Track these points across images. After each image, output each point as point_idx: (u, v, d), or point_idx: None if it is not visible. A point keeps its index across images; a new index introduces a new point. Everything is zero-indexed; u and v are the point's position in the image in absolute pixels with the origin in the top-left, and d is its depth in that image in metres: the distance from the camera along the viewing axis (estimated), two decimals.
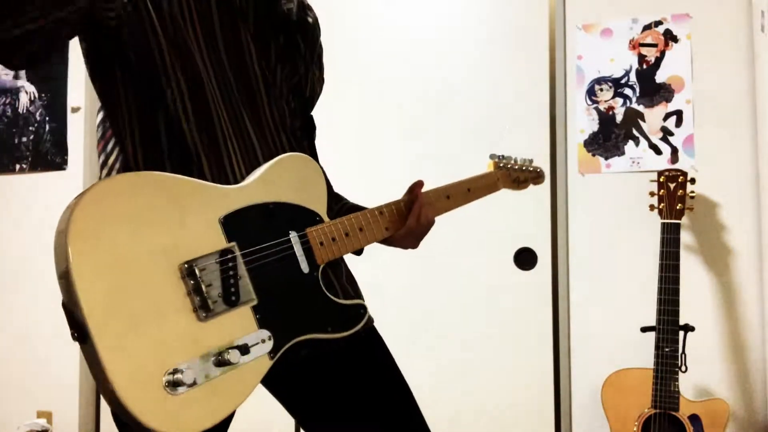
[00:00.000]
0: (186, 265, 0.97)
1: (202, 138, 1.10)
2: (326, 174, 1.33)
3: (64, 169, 3.01)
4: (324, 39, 1.40)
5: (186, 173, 1.04)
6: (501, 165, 1.60)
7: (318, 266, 1.15)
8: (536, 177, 1.70)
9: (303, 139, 1.33)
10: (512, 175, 1.62)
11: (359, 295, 1.30)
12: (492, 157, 1.60)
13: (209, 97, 1.12)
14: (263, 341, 1.04)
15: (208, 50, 1.15)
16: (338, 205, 1.37)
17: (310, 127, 1.37)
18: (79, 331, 0.88)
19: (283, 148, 1.23)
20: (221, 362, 0.97)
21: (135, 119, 1.10)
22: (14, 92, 3.14)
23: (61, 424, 2.92)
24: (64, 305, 0.90)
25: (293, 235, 1.13)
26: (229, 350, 0.98)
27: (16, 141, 3.10)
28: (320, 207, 1.20)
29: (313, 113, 1.39)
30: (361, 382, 1.23)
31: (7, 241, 3.09)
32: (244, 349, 1.00)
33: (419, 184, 1.36)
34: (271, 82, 1.23)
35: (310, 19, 1.34)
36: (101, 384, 0.88)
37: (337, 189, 1.44)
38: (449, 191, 1.43)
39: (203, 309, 0.98)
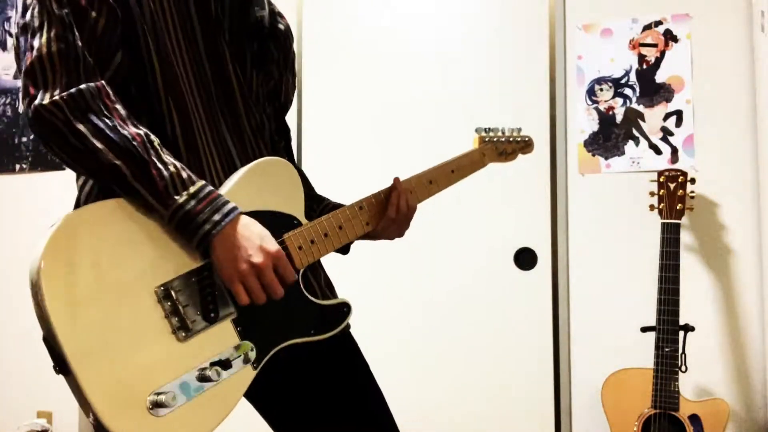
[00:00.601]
0: (162, 288, 0.97)
1: (185, 147, 1.11)
2: (306, 176, 1.33)
3: (64, 169, 3.01)
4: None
5: None
6: (487, 139, 1.53)
7: (298, 270, 1.14)
8: (525, 146, 1.62)
9: (279, 143, 1.34)
10: (499, 148, 1.55)
11: (336, 298, 1.30)
12: (477, 131, 1.53)
13: (188, 103, 1.13)
14: (246, 353, 1.04)
15: (189, 57, 1.15)
16: (320, 207, 1.36)
17: (285, 132, 1.37)
18: (60, 364, 0.88)
19: (261, 153, 1.23)
20: (204, 378, 0.97)
21: None
22: (14, 92, 3.14)
23: (61, 424, 2.92)
24: (45, 339, 0.91)
25: None
26: (211, 366, 0.98)
27: (16, 141, 3.10)
28: (297, 210, 1.18)
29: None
30: (337, 389, 1.23)
31: (7, 241, 3.10)
32: (226, 364, 1.00)
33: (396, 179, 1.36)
34: (248, 88, 1.24)
35: (282, 26, 1.35)
36: (87, 413, 0.89)
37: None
38: (431, 176, 1.39)
39: (182, 329, 0.97)
